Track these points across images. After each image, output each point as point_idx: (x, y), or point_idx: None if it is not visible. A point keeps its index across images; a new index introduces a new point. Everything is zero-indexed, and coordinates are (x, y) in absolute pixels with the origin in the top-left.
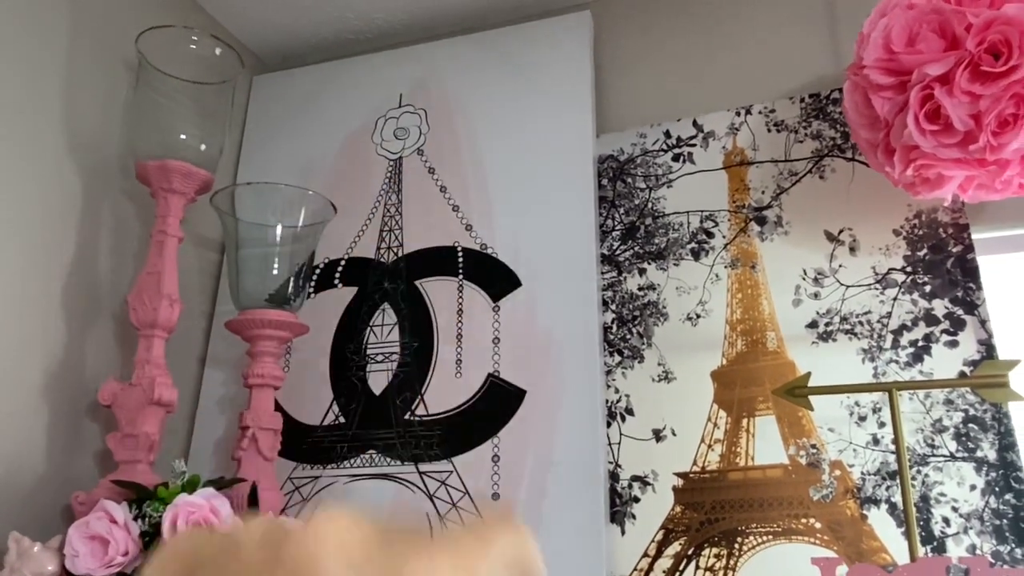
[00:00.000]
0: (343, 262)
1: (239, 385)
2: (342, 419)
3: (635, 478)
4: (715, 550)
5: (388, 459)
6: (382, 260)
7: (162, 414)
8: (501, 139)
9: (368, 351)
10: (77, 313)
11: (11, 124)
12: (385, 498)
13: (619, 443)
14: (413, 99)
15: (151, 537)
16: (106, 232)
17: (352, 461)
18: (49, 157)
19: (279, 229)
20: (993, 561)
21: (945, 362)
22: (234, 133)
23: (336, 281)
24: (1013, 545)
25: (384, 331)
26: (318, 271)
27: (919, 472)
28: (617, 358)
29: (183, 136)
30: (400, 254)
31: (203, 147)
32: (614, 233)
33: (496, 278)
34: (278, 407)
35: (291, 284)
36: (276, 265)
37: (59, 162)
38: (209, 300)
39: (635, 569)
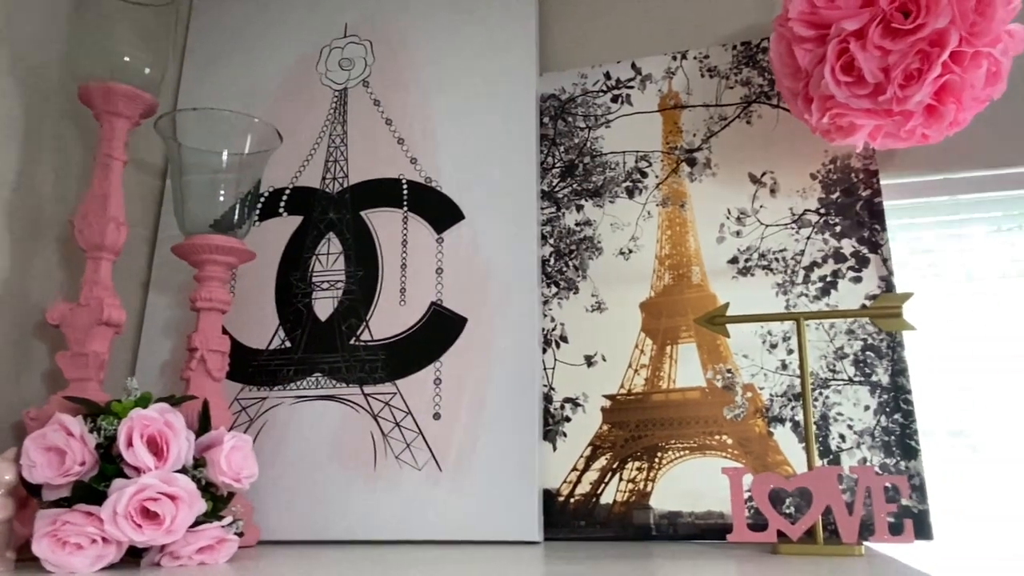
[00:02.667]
0: (288, 191)
1: (183, 309)
2: (288, 344)
3: (567, 400)
4: (637, 464)
5: (334, 381)
6: (327, 190)
7: (111, 334)
8: (446, 74)
9: (314, 279)
10: (20, 234)
11: None
12: (330, 418)
13: (553, 368)
14: (358, 30)
15: (105, 449)
16: (48, 154)
17: (298, 383)
18: None
19: (225, 155)
20: (880, 472)
21: (849, 296)
22: (175, 57)
23: (281, 210)
24: (898, 458)
25: (330, 259)
26: (263, 199)
27: (820, 394)
28: (554, 289)
29: (127, 59)
30: (345, 185)
31: (147, 71)
32: (554, 170)
33: (440, 211)
34: (224, 331)
35: (237, 211)
36: (222, 191)
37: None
38: (151, 226)
39: (565, 481)
